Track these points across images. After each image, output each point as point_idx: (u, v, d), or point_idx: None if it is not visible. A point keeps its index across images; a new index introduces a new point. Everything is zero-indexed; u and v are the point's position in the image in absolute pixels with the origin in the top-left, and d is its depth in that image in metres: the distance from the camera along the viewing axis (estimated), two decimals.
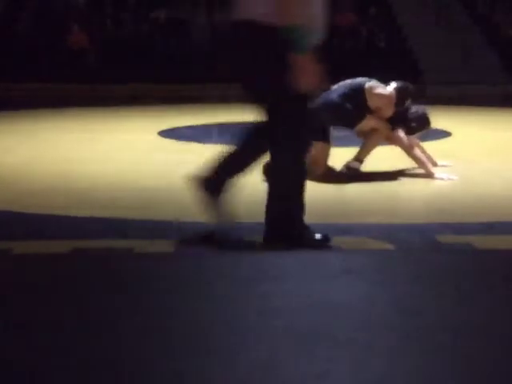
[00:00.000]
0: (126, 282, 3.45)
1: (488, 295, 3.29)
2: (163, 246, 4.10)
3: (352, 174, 6.25)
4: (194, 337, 2.78)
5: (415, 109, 6.58)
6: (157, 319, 2.96)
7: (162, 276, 3.55)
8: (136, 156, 7.51)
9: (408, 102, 6.49)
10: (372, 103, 6.31)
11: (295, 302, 3.15)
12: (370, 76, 6.57)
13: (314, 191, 5.54)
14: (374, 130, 6.35)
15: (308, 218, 4.09)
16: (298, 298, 3.21)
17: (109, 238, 4.33)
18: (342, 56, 16.41)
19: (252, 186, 5.72)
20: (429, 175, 6.29)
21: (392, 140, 6.46)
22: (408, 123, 6.48)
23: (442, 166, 6.70)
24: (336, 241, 4.19)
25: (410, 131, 6.49)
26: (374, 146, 6.43)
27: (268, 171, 4.55)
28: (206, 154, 7.71)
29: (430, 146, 7.15)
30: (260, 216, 4.13)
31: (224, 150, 4.26)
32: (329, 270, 3.66)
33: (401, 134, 6.40)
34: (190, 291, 3.31)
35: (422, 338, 2.77)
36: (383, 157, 6.79)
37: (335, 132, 6.40)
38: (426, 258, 3.95)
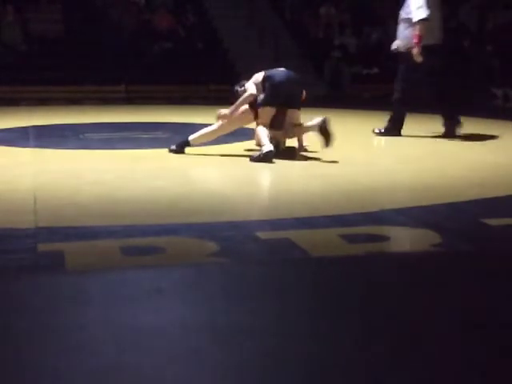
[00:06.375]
0: None
1: (304, 310, 3.05)
2: None
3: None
4: None
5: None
6: None
7: None
8: None
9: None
10: None
11: (97, 333, 2.77)
12: None
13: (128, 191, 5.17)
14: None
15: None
16: (101, 326, 2.83)
17: None
18: (161, 57, 16.12)
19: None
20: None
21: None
22: None
23: None
24: (155, 241, 3.98)
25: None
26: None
27: None
28: (20, 158, 7.18)
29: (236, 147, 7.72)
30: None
31: None
32: (136, 290, 3.29)
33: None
34: None
35: (242, 372, 2.47)
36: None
37: None
38: (242, 270, 3.67)
